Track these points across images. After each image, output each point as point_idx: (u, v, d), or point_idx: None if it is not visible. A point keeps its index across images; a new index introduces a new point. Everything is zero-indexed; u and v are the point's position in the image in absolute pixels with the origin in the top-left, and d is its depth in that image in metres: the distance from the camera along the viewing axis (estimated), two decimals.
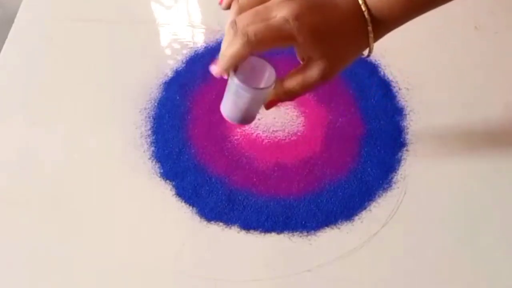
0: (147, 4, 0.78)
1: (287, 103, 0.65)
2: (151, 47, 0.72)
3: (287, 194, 0.59)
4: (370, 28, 0.46)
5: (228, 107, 0.51)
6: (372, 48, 0.48)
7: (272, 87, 0.48)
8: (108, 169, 0.61)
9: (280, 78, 0.49)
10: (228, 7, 0.48)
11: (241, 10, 0.46)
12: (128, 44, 0.72)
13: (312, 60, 0.46)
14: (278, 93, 0.49)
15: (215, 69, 0.47)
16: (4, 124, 0.65)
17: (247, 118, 0.52)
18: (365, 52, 0.49)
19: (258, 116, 0.64)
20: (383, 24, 0.47)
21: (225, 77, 0.48)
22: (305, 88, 0.48)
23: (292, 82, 0.48)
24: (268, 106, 0.51)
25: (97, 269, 0.55)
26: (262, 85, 0.48)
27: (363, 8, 0.46)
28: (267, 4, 0.45)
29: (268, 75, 0.49)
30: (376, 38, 0.48)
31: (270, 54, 0.47)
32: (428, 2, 0.48)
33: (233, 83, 0.48)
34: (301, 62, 0.49)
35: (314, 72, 0.46)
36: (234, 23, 0.45)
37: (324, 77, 0.47)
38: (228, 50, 0.45)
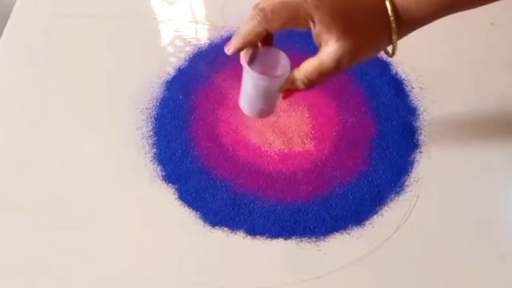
0: None
1: (300, 101, 0.66)
2: (152, 44, 0.73)
3: (295, 198, 0.59)
4: (392, 19, 0.46)
5: (246, 101, 0.54)
6: (396, 46, 0.48)
7: (287, 74, 0.50)
8: (108, 171, 0.62)
9: (296, 66, 0.50)
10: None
11: None
12: (128, 41, 0.73)
13: (329, 44, 0.46)
14: (295, 81, 0.50)
15: (230, 47, 0.49)
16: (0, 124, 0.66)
17: (265, 109, 0.54)
18: (389, 50, 0.50)
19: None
20: (407, 21, 0.47)
21: (243, 64, 0.50)
22: (322, 75, 0.48)
23: (308, 68, 0.48)
24: (285, 95, 0.52)
25: (97, 275, 0.55)
26: (277, 74, 0.50)
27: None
28: None
29: (282, 64, 0.51)
30: (400, 33, 0.47)
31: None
32: (461, 3, 0.48)
33: (248, 75, 0.50)
34: (319, 49, 0.49)
35: (330, 56, 0.47)
36: (257, 5, 0.47)
37: (340, 63, 0.47)
38: (244, 27, 0.47)
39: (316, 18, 0.45)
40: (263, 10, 0.46)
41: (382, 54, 0.69)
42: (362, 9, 0.46)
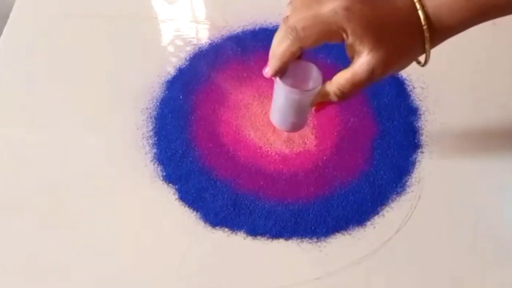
0: None
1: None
2: (152, 44, 0.73)
3: (296, 198, 0.59)
4: (425, 27, 0.46)
5: (277, 115, 0.54)
6: (429, 56, 0.48)
7: (319, 87, 0.49)
8: (108, 172, 0.62)
9: (328, 80, 0.49)
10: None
11: (295, 5, 0.47)
12: (128, 41, 0.73)
13: (362, 55, 0.46)
14: (327, 94, 0.49)
15: (268, 71, 0.49)
16: None
17: (297, 123, 0.54)
18: (421, 60, 0.49)
19: (264, 117, 0.65)
20: (440, 30, 0.47)
21: (276, 79, 0.50)
22: (355, 87, 0.48)
23: (341, 81, 0.48)
24: (317, 109, 0.52)
25: (97, 275, 0.55)
26: (309, 87, 0.50)
27: (418, 6, 0.45)
28: None
29: (314, 77, 0.50)
30: (433, 41, 0.47)
31: None
32: (494, 9, 0.47)
33: (280, 88, 0.50)
34: (351, 61, 0.49)
35: (363, 67, 0.46)
36: (286, 18, 0.47)
37: (373, 74, 0.46)
38: (278, 49, 0.47)
39: (349, 30, 0.45)
40: (294, 29, 0.45)
41: None
42: (395, 19, 0.46)
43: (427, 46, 0.47)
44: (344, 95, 0.49)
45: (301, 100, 0.51)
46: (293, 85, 0.49)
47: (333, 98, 0.49)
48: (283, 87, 0.49)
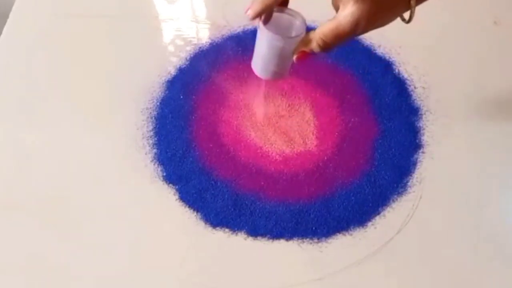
0: None
1: (302, 101, 0.66)
2: (153, 44, 0.73)
3: (297, 199, 0.60)
4: None
5: (259, 63, 0.53)
6: (414, 12, 0.48)
7: (303, 35, 0.49)
8: (108, 172, 0.62)
9: (313, 29, 0.49)
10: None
11: None
12: (128, 41, 0.73)
13: (347, 6, 0.46)
14: (310, 43, 0.49)
15: (249, 12, 0.49)
16: None
17: (278, 72, 0.54)
18: (406, 17, 0.49)
19: (265, 117, 0.65)
20: None
21: (257, 24, 0.50)
22: (338, 38, 0.48)
23: (325, 30, 0.48)
24: (299, 58, 0.51)
25: (97, 275, 0.55)
26: (292, 35, 0.50)
27: None
28: None
29: (298, 25, 0.50)
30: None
31: None
32: None
33: (263, 35, 0.50)
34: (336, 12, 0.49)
35: (347, 19, 0.46)
36: None
37: (357, 26, 0.46)
38: None
39: None
40: None
41: (384, 54, 0.70)
42: None
43: (412, 2, 0.47)
44: (327, 46, 0.49)
45: (283, 47, 0.50)
46: (276, 33, 0.49)
47: (315, 48, 0.49)
48: (267, 34, 0.49)
